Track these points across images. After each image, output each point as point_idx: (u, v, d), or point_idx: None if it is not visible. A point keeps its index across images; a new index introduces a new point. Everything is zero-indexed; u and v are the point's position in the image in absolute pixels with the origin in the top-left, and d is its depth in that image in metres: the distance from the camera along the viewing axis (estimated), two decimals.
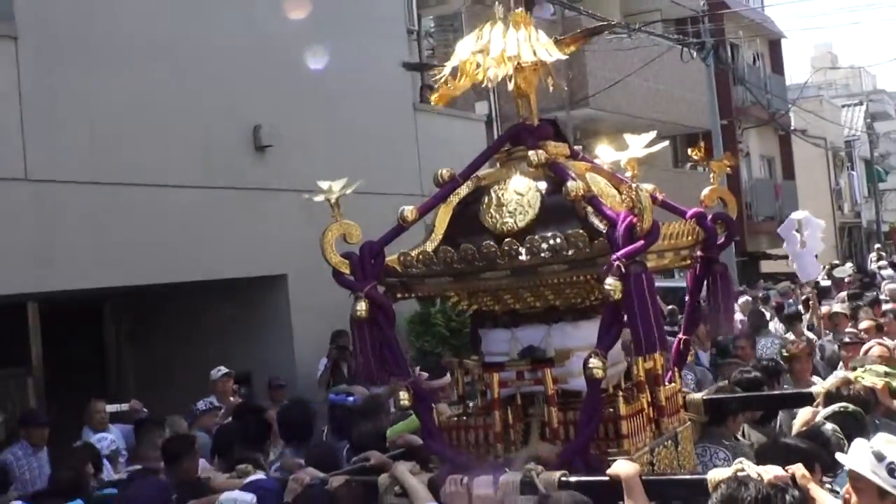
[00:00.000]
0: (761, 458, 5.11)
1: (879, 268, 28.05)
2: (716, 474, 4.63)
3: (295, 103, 13.17)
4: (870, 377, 7.04)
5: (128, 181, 10.80)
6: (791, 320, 13.86)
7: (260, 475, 6.33)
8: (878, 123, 59.28)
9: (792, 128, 38.70)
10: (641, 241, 4.99)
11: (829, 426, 5.70)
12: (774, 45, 40.43)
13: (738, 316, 14.33)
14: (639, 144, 5.63)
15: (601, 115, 26.12)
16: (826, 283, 21.86)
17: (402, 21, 15.94)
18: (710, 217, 6.35)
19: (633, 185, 5.20)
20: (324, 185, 5.61)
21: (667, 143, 19.53)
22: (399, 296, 5.86)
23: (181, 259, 11.38)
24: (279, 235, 11.83)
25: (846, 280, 22.56)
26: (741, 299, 16.91)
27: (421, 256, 5.56)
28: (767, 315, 15.20)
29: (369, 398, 8.64)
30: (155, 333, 13.55)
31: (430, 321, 12.65)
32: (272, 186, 12.16)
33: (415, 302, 10.77)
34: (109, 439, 9.06)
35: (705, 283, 6.37)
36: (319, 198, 5.64)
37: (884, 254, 36.46)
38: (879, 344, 9.08)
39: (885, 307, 14.16)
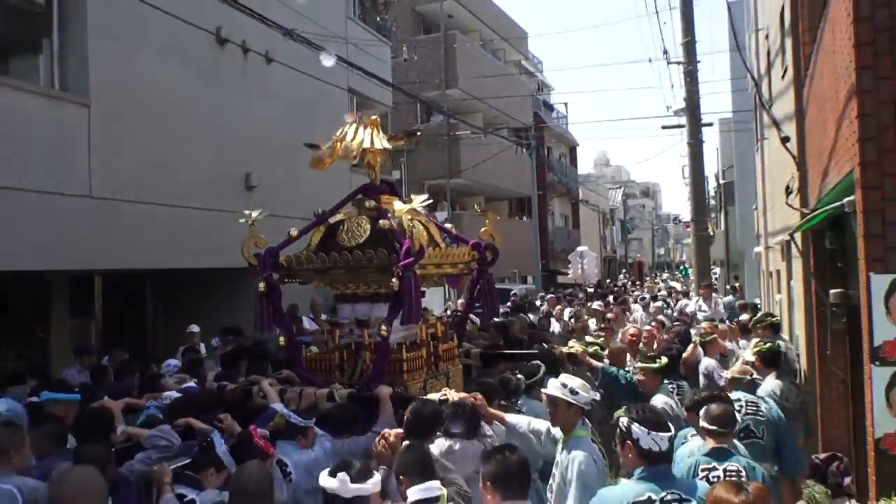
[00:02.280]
0: (470, 388, 6.62)
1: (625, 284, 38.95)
2: (431, 395, 6.31)
3: (272, 159, 14.76)
4: (577, 345, 9.00)
5: (160, 202, 12.15)
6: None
7: (191, 383, 7.88)
8: (630, 200, 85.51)
9: (580, 198, 50.86)
10: (412, 258, 6.65)
11: (520, 376, 7.19)
12: (573, 149, 52.24)
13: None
14: (418, 201, 7.18)
15: (468, 183, 31.88)
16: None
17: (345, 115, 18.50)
18: (483, 245, 8.10)
19: (412, 225, 6.93)
20: (246, 212, 7.14)
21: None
22: (286, 280, 7.38)
23: (199, 253, 12.82)
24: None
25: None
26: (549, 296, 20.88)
27: (299, 258, 7.28)
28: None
29: (259, 343, 9.81)
30: (181, 302, 15.09)
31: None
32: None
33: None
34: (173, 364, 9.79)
35: (478, 286, 8.24)
36: (242, 220, 7.16)
37: (628, 275, 52.39)
38: (633, 326, 11.33)
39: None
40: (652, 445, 4.38)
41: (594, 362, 8.65)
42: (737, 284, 25.59)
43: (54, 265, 10.84)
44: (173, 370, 9.44)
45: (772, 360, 8.38)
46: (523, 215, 40.80)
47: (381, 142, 7.44)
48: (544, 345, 9.13)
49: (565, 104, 66.14)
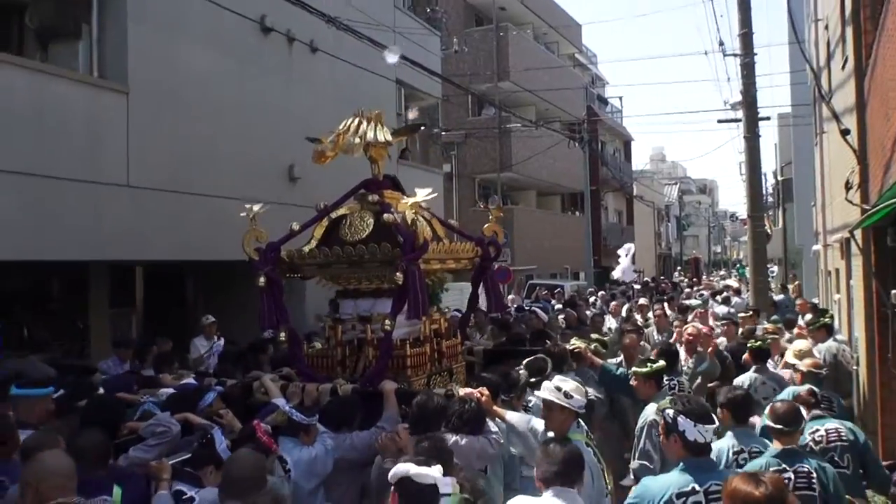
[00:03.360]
0: (474, 384, 6.60)
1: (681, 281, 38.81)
2: (437, 390, 6.34)
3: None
4: (578, 342, 8.82)
5: (200, 192, 12.05)
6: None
7: (190, 379, 7.80)
8: (686, 196, 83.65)
9: (635, 194, 49.95)
10: (416, 252, 6.60)
11: (522, 371, 7.25)
12: (627, 144, 51.45)
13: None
14: (422, 194, 6.86)
15: (519, 177, 31.84)
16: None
17: (393, 107, 17.94)
18: (486, 241, 8.10)
19: (416, 219, 6.79)
20: (247, 206, 7.11)
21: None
22: (287, 275, 7.36)
23: (238, 246, 11.34)
24: (303, 235, 11.93)
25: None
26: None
27: (300, 253, 7.20)
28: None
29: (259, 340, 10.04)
30: (222, 294, 14.92)
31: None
32: (300, 204, 12.72)
33: None
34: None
35: (482, 282, 8.31)
36: (243, 214, 7.11)
37: (683, 273, 50.75)
38: (692, 326, 10.77)
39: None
40: (698, 437, 4.52)
41: (596, 360, 8.63)
42: (791, 285, 24.83)
43: (91, 255, 10.77)
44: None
45: (761, 356, 8.76)
46: (576, 210, 40.21)
47: (385, 136, 7.36)
48: (548, 342, 9.15)
49: (620, 98, 65.09)
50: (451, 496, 3.91)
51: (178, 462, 5.17)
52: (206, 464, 5.10)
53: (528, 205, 36.28)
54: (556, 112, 33.31)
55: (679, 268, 62.92)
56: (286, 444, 5.75)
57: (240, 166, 12.99)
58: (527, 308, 14.91)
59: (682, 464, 4.55)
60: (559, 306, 17.19)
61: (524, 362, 7.46)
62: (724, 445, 5.77)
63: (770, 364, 9.14)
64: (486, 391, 6.08)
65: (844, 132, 10.10)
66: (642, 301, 17.75)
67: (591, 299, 19.32)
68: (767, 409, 5.50)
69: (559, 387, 5.44)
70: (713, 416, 4.67)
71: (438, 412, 5.60)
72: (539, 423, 5.82)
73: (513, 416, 6.06)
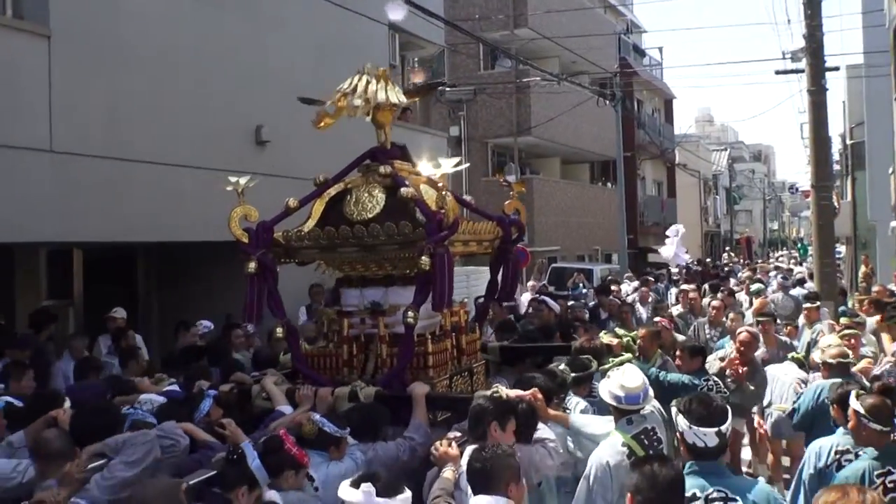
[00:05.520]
0: (518, 386, 6.61)
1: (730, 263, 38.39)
2: (478, 393, 6.41)
3: (291, 108, 13.12)
4: (606, 337, 9.07)
5: (141, 159, 11.67)
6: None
7: (173, 384, 7.80)
8: (737, 164, 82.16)
9: (677, 162, 49.62)
10: (445, 232, 6.63)
11: (562, 366, 7.44)
12: (668, 103, 50.96)
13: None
14: (448, 165, 6.94)
15: (540, 142, 31.37)
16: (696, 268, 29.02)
17: (385, 58, 17.28)
18: (508, 220, 8.15)
19: (444, 193, 6.72)
20: (232, 179, 7.07)
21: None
22: (282, 260, 7.35)
23: (193, 224, 12.44)
24: (272, 209, 10.97)
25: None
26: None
27: (298, 234, 7.16)
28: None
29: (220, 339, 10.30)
30: (176, 279, 14.93)
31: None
32: (269, 172, 12.46)
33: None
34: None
35: (502, 265, 8.38)
36: (230, 188, 7.06)
37: (733, 254, 50.82)
38: (747, 331, 10.35)
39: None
40: (696, 441, 4.79)
41: (628, 356, 8.71)
42: (863, 268, 24.09)
43: (4, 237, 10.31)
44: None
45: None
46: (607, 181, 39.40)
47: (396, 96, 7.37)
48: (574, 336, 9.45)
49: (660, 49, 63.99)
50: None
51: (200, 482, 5.13)
52: (238, 484, 5.05)
53: (551, 174, 35.61)
54: (584, 65, 31.89)
55: (728, 248, 61.58)
56: (314, 459, 5.77)
57: (194, 127, 12.62)
58: (538, 298, 14.99)
59: (687, 466, 4.80)
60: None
61: (566, 361, 7.71)
62: (827, 443, 6.23)
63: None
64: (538, 393, 6.27)
65: None
66: (686, 287, 17.16)
67: (615, 287, 18.81)
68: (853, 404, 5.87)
69: (611, 390, 6.02)
70: (719, 418, 4.87)
71: (497, 417, 5.69)
72: (601, 426, 6.27)
73: (578, 419, 6.55)
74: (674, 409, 5.04)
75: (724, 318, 12.91)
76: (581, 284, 21.70)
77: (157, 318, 15.37)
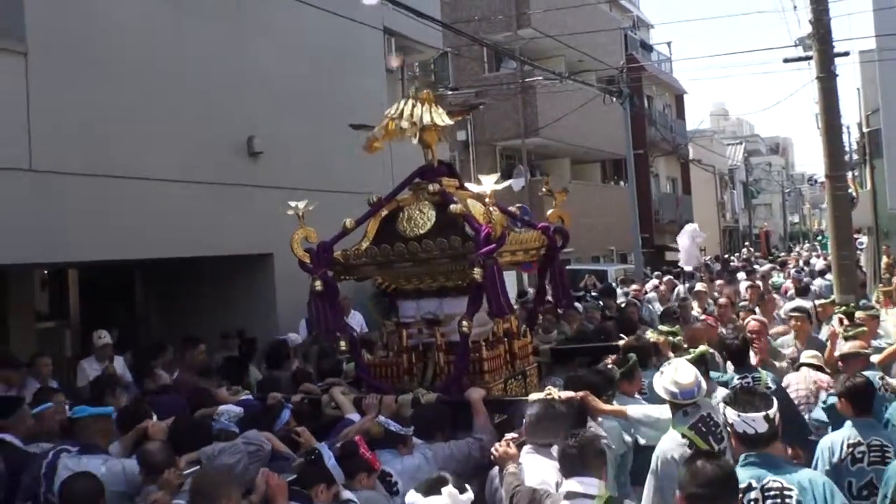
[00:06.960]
0: (568, 385, 6.91)
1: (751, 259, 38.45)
2: (533, 395, 6.60)
3: (283, 118, 14.35)
4: (653, 335, 9.45)
5: (126, 174, 11.55)
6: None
7: (247, 394, 8.38)
8: (753, 157, 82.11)
9: (690, 158, 49.23)
10: (494, 245, 7.14)
11: (610, 365, 7.87)
12: (679, 99, 50.95)
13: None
14: (490, 182, 7.45)
15: (549, 143, 31.29)
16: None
17: (381, 63, 17.46)
18: (553, 229, 8.71)
19: (490, 209, 7.23)
20: (292, 204, 7.61)
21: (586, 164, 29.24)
22: (342, 278, 7.96)
23: (182, 240, 12.40)
24: (267, 223, 12.50)
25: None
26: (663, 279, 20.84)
27: (356, 252, 7.80)
28: None
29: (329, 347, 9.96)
30: (176, 296, 14.87)
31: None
32: (263, 184, 13.41)
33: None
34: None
35: (548, 273, 8.92)
36: (291, 212, 7.62)
37: (752, 249, 50.21)
38: (755, 320, 10.56)
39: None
40: (746, 429, 4.82)
41: (704, 347, 8.57)
42: (885, 259, 23.63)
43: None
44: None
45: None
46: (620, 180, 38.88)
47: (441, 118, 7.87)
48: (622, 335, 9.71)
49: (668, 44, 63.35)
50: (595, 498, 4.76)
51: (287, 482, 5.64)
52: (317, 482, 5.59)
53: (562, 175, 35.12)
54: (590, 63, 31.53)
55: (747, 243, 61.05)
56: (386, 457, 6.32)
57: (182, 140, 12.46)
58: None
59: (742, 458, 4.84)
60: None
61: (612, 359, 8.14)
62: (838, 437, 6.26)
63: None
64: (588, 392, 6.63)
65: None
66: (699, 287, 16.96)
67: (621, 289, 18.95)
68: None
69: (666, 387, 6.19)
70: (765, 403, 4.93)
71: (558, 420, 5.93)
72: (659, 412, 6.54)
73: (635, 410, 6.84)
74: (721, 405, 5.17)
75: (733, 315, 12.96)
76: (593, 286, 21.37)
77: (157, 335, 14.94)
